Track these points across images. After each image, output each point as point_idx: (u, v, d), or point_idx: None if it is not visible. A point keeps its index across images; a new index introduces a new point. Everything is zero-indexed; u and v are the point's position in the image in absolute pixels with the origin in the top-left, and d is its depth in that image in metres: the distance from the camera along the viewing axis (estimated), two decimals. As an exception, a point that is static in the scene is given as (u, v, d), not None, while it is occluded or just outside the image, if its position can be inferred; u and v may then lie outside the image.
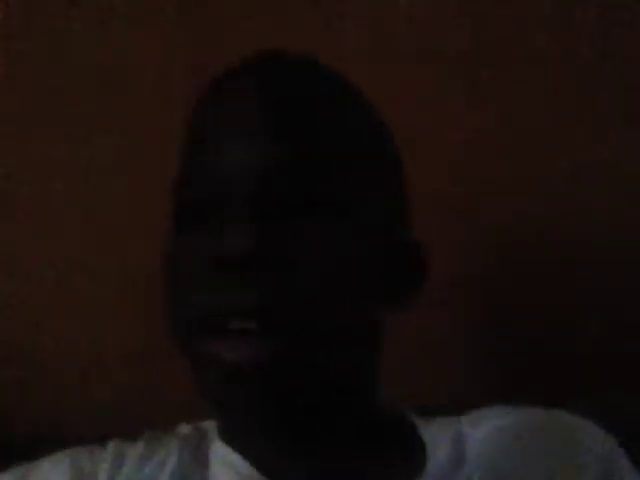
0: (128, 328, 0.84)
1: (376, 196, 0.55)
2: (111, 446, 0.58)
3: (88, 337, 0.85)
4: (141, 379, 0.84)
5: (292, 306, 0.48)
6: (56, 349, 0.85)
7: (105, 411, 0.83)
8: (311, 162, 0.51)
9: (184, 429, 0.61)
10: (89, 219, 0.85)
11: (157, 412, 0.79)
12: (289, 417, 0.51)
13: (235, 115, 0.52)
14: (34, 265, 0.86)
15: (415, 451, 0.57)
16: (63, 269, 0.85)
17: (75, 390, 0.85)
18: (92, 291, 0.85)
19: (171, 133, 0.59)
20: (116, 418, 0.82)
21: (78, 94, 0.85)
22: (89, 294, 0.85)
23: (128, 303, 0.83)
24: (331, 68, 0.57)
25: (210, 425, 0.60)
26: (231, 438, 0.57)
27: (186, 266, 0.51)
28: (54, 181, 0.86)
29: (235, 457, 0.55)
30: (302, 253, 0.49)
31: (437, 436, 0.58)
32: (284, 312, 0.48)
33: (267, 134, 0.51)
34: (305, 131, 0.52)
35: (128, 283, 0.83)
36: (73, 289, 0.85)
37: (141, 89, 0.85)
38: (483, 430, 0.58)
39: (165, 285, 0.53)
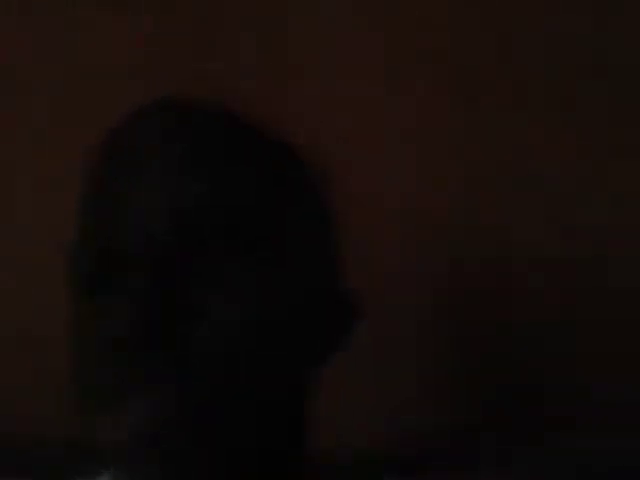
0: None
1: (303, 242, 0.52)
2: None
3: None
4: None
5: (197, 373, 0.45)
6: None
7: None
8: (216, 206, 0.47)
9: None
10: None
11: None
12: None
13: (136, 158, 0.48)
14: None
15: None
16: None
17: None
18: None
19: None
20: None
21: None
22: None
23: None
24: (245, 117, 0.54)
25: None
26: None
27: (85, 333, 0.48)
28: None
29: None
30: (211, 312, 0.46)
31: None
32: (186, 377, 0.45)
33: (169, 178, 0.47)
34: (222, 172, 0.48)
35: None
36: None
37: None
38: None
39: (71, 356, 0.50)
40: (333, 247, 0.56)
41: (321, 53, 0.86)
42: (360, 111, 0.85)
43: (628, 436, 0.72)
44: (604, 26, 0.84)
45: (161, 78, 0.83)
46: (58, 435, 0.79)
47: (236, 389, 0.47)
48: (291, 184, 0.53)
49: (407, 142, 0.85)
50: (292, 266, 0.50)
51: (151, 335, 0.44)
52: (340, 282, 0.56)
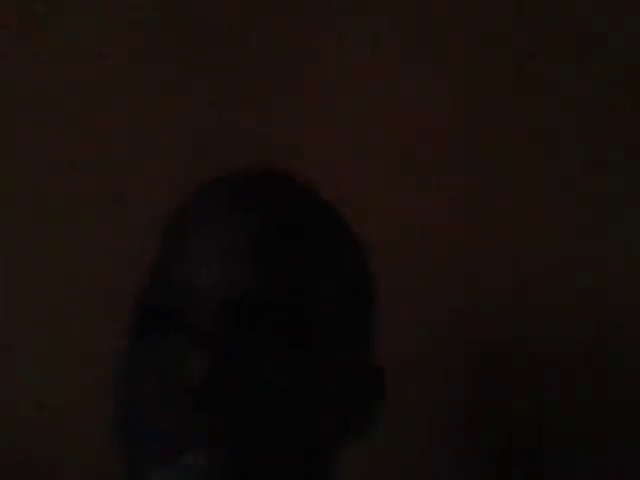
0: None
1: (345, 324, 0.54)
2: None
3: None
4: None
5: (246, 439, 0.47)
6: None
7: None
8: (276, 290, 0.49)
9: None
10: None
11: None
12: None
13: (207, 237, 0.51)
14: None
15: None
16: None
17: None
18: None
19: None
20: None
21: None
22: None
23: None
24: (313, 192, 0.57)
25: None
26: None
27: (140, 384, 0.49)
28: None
29: None
30: (259, 384, 0.48)
31: None
32: (236, 442, 0.47)
33: (242, 255, 0.50)
34: (280, 258, 0.50)
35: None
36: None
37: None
38: None
39: (117, 398, 0.51)
40: (371, 326, 0.58)
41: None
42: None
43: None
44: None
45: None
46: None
47: (265, 463, 0.47)
48: (345, 265, 0.56)
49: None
50: (331, 346, 0.52)
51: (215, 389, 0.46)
52: (370, 360, 0.58)
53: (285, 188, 0.55)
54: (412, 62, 0.85)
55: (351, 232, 0.58)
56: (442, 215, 0.84)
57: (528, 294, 0.83)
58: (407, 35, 0.85)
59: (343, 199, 0.60)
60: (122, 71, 0.86)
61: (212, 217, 0.52)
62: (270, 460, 0.47)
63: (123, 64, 0.85)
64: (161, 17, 0.85)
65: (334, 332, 0.52)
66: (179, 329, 0.49)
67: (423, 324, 0.81)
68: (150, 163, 0.84)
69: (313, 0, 0.85)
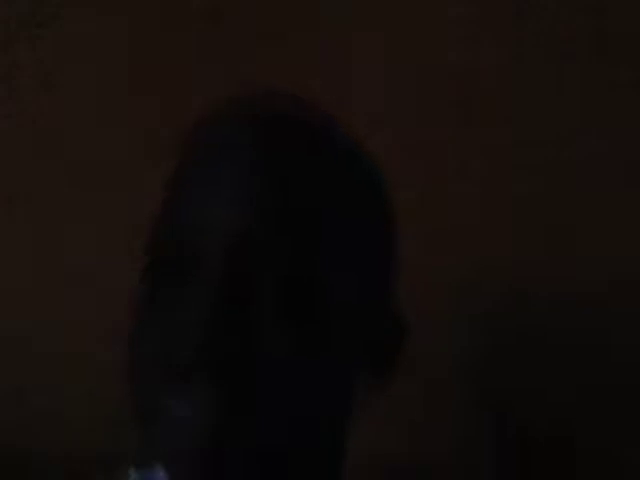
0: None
1: (363, 272, 0.51)
2: None
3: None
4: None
5: (253, 378, 0.45)
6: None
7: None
8: (294, 231, 0.47)
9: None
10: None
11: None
12: None
13: (217, 176, 0.49)
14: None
15: None
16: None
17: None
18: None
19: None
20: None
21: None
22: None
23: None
24: (334, 129, 0.53)
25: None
26: None
27: (151, 332, 0.48)
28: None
29: None
30: (271, 357, 0.46)
31: None
32: (244, 385, 0.45)
33: (244, 198, 0.47)
34: (293, 199, 0.48)
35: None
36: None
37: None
38: None
39: (128, 343, 0.50)
40: (392, 264, 0.56)
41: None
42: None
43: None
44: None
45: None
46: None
47: (287, 406, 0.46)
48: (356, 192, 0.52)
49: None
50: (353, 282, 0.50)
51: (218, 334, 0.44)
52: (393, 300, 0.56)
53: (297, 126, 0.51)
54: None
55: (374, 180, 0.54)
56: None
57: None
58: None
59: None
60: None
61: (216, 157, 0.50)
62: (284, 421, 0.46)
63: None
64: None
65: (348, 281, 0.50)
66: (186, 276, 0.47)
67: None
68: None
69: None
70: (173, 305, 0.47)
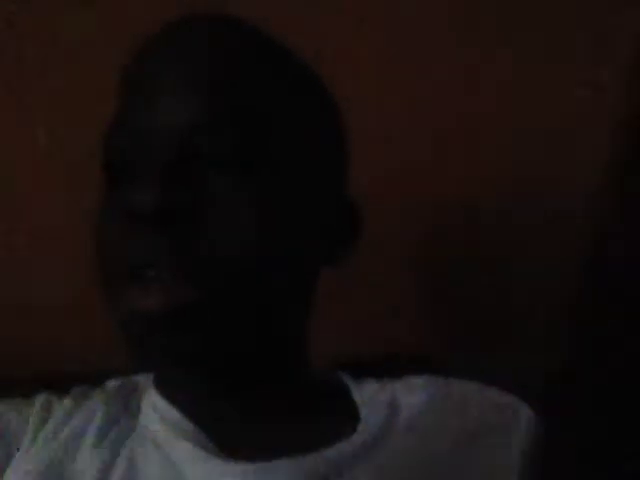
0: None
1: (308, 153, 0.54)
2: (38, 401, 0.58)
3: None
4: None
5: (204, 257, 0.48)
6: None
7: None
8: (236, 120, 0.50)
9: (113, 383, 0.61)
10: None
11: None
12: (205, 366, 0.51)
13: (158, 74, 0.51)
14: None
15: (346, 413, 0.58)
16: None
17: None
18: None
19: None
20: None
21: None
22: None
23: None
24: (264, 29, 0.56)
25: (142, 377, 0.61)
26: (160, 386, 0.58)
27: (105, 223, 0.51)
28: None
29: (164, 404, 0.56)
30: (218, 209, 0.48)
31: (372, 399, 0.59)
32: (197, 262, 0.47)
33: (186, 94, 0.50)
34: (232, 89, 0.51)
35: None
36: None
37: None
38: (417, 398, 0.58)
39: (92, 238, 0.53)
40: (342, 156, 0.59)
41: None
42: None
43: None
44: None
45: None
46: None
47: (244, 281, 0.49)
48: (306, 95, 0.56)
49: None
50: (303, 171, 0.53)
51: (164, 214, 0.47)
52: (345, 188, 0.60)
53: (238, 27, 0.54)
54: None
55: (312, 76, 0.58)
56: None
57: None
58: None
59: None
60: None
61: (160, 56, 0.52)
62: (235, 275, 0.48)
63: None
64: None
65: (297, 164, 0.53)
66: (133, 175, 0.50)
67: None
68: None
69: None
70: (120, 199, 0.48)
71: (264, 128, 0.51)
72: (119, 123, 0.52)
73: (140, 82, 0.52)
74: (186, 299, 0.47)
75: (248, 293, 0.49)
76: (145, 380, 0.60)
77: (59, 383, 0.60)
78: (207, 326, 0.48)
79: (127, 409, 0.57)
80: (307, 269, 0.56)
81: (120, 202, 0.48)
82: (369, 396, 0.59)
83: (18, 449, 0.54)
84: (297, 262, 0.54)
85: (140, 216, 0.46)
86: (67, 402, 0.57)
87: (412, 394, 0.59)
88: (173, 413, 0.55)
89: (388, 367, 0.63)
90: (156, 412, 0.56)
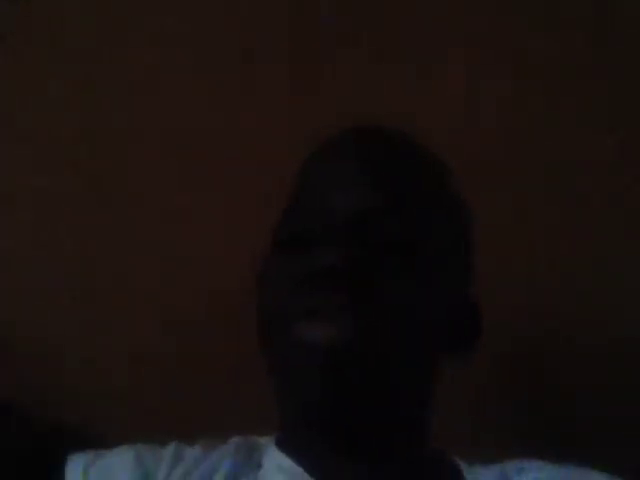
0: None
1: (450, 255, 0.62)
2: (171, 446, 0.62)
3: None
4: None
5: (372, 313, 0.54)
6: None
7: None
8: (397, 212, 0.59)
9: (236, 439, 0.65)
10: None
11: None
12: (349, 410, 0.56)
13: (337, 171, 0.61)
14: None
15: None
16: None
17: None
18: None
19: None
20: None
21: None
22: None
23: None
24: (420, 142, 0.65)
25: (263, 439, 0.65)
26: (283, 444, 0.61)
27: (282, 278, 0.58)
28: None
29: (288, 461, 0.60)
30: (383, 282, 0.56)
31: (482, 476, 0.61)
32: (364, 313, 0.54)
33: (364, 186, 0.59)
34: (395, 187, 0.60)
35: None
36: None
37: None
38: (530, 477, 0.61)
39: (259, 295, 0.60)
40: (471, 267, 0.67)
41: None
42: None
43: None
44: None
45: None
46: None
47: (397, 345, 0.56)
48: (452, 209, 0.65)
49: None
50: (440, 275, 0.60)
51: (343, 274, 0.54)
52: (471, 294, 0.66)
53: (397, 136, 0.65)
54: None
55: (454, 188, 0.66)
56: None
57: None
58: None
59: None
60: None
61: (337, 154, 0.63)
62: (392, 340, 0.55)
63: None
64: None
65: (440, 260, 0.60)
66: (314, 244, 0.57)
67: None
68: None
69: None
70: (305, 258, 0.56)
71: (425, 221, 0.60)
72: (299, 208, 0.62)
73: (316, 182, 0.62)
74: (355, 336, 0.53)
75: (396, 351, 0.56)
76: (267, 440, 0.64)
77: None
78: (364, 363, 0.54)
79: (250, 462, 0.61)
80: (436, 349, 0.61)
81: (306, 260, 0.55)
82: (480, 473, 0.62)
83: None
84: (433, 338, 0.60)
85: (329, 270, 0.54)
86: (197, 450, 0.62)
87: (522, 473, 0.61)
88: (294, 467, 0.59)
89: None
90: (278, 466, 0.60)
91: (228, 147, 0.89)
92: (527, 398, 0.86)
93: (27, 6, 0.89)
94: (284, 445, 0.61)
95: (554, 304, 0.87)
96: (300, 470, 0.58)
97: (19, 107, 0.89)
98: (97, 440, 0.65)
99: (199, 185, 0.87)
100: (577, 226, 0.87)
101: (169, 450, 0.62)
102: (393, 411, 0.58)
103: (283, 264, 0.59)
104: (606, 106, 0.88)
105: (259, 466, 0.61)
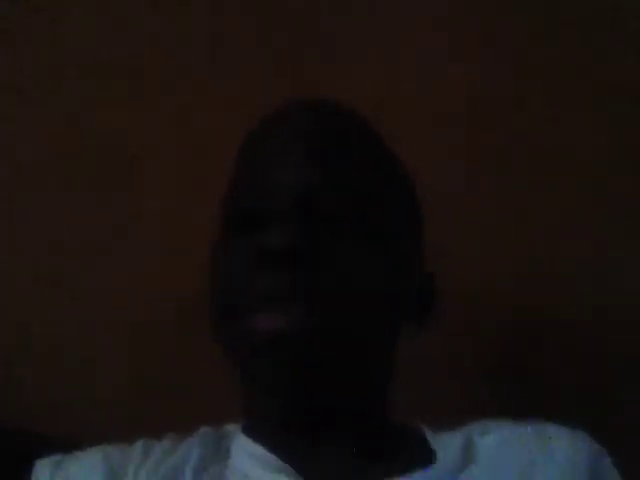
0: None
1: (400, 226, 0.63)
2: (139, 443, 0.63)
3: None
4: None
5: (324, 294, 0.55)
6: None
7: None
8: (342, 186, 0.59)
9: (204, 429, 0.65)
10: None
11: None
12: (309, 393, 0.57)
13: (282, 145, 0.60)
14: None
15: (422, 455, 0.60)
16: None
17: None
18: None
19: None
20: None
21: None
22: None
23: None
24: (364, 117, 0.65)
25: (230, 426, 0.65)
26: (250, 430, 0.62)
27: (233, 262, 0.58)
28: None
29: (256, 447, 0.60)
30: (334, 255, 0.56)
31: (447, 442, 0.62)
32: (316, 296, 0.55)
33: (308, 160, 0.59)
34: (339, 161, 0.60)
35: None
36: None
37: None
38: (492, 438, 0.62)
39: (211, 279, 0.60)
40: (421, 237, 0.67)
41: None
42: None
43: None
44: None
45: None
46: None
47: (351, 317, 0.56)
48: (397, 180, 0.65)
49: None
50: (392, 245, 0.60)
51: (292, 254, 0.54)
52: (425, 266, 0.67)
53: (340, 109, 0.64)
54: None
55: (398, 160, 0.66)
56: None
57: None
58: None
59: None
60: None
61: (280, 131, 0.61)
62: (346, 314, 0.55)
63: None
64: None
65: (390, 231, 0.61)
66: (261, 224, 0.57)
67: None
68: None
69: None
70: (252, 242, 0.56)
71: (371, 193, 0.60)
72: (243, 186, 0.61)
73: (260, 157, 0.61)
74: (308, 324, 0.53)
75: (354, 327, 0.57)
76: (234, 427, 0.65)
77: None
78: (318, 349, 0.54)
79: (219, 451, 0.62)
80: (397, 318, 0.63)
81: (250, 245, 0.55)
82: (445, 440, 0.62)
83: None
84: (392, 308, 0.61)
85: (277, 254, 0.54)
86: (165, 444, 0.62)
87: (486, 435, 0.62)
88: (263, 452, 0.59)
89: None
90: (247, 453, 0.60)
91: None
92: (527, 398, 0.86)
93: (27, 6, 0.90)
94: (251, 431, 0.62)
95: (554, 304, 0.86)
96: (266, 452, 0.59)
97: (19, 107, 0.89)
98: (96, 441, 0.65)
99: (199, 185, 0.87)
100: (577, 226, 0.87)
101: (137, 447, 0.62)
102: (356, 388, 0.59)
103: (233, 247, 0.59)
104: (606, 106, 0.88)
105: (228, 453, 0.62)
